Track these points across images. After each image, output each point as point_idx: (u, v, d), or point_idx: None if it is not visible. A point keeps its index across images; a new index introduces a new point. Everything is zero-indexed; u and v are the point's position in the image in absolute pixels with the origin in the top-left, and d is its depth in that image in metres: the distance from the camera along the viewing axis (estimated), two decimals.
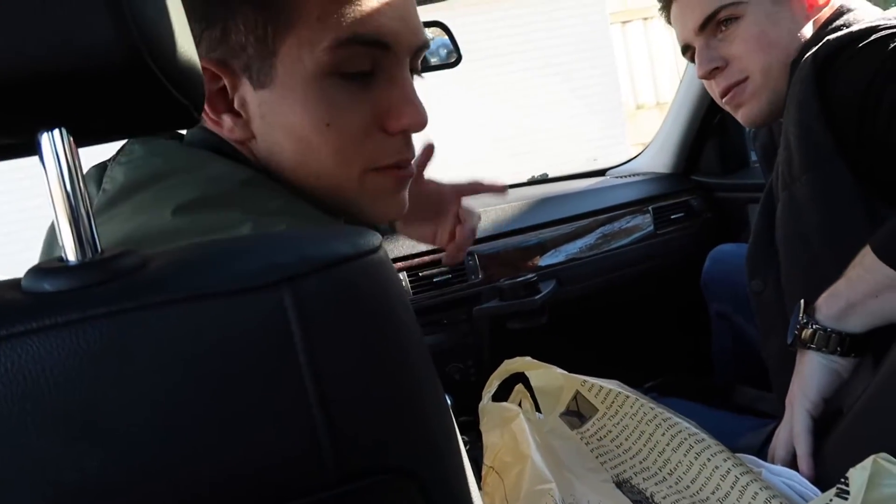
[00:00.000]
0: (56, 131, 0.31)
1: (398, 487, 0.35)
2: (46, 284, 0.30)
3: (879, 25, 0.77)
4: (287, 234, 0.36)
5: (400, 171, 0.60)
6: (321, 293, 0.32)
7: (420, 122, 0.58)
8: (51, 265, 0.31)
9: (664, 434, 0.71)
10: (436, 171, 0.92)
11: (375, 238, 0.37)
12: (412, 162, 0.61)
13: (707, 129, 1.67)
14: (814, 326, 0.72)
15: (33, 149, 0.32)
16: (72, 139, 0.32)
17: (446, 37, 1.33)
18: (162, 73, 0.30)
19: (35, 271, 0.31)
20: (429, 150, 0.89)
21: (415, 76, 0.61)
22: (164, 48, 0.31)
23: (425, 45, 0.60)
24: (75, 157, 0.32)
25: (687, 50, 1.00)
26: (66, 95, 0.30)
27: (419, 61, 0.62)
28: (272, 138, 0.56)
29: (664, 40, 8.13)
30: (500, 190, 0.94)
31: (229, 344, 0.30)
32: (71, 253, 0.32)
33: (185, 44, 0.33)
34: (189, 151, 0.56)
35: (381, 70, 0.56)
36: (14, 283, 0.32)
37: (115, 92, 0.31)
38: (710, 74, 0.95)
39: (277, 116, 0.55)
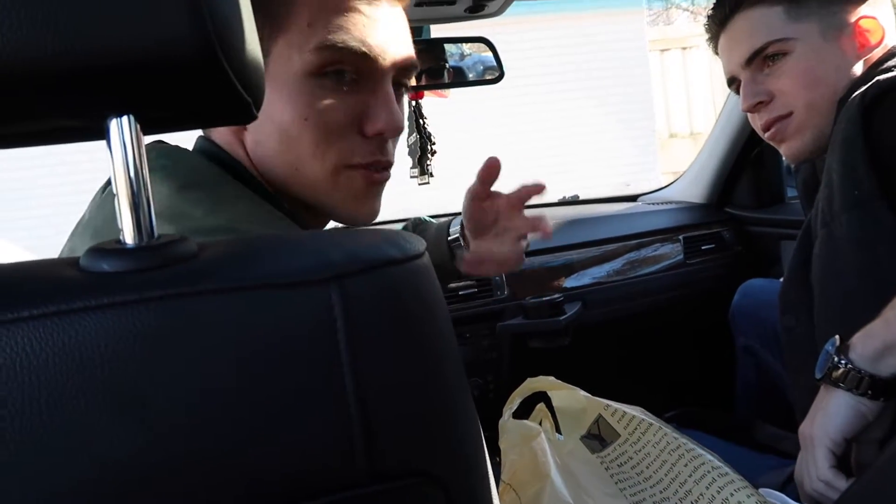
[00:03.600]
0: (125, 118, 0.32)
1: (425, 492, 0.36)
2: (105, 265, 0.31)
3: None
4: (337, 233, 0.37)
5: (372, 172, 0.65)
6: (367, 293, 0.33)
7: (393, 128, 0.63)
8: (109, 246, 0.32)
9: (686, 465, 0.70)
10: (461, 183, 0.93)
11: (421, 244, 0.37)
12: (388, 167, 0.67)
13: (744, 162, 1.66)
14: (847, 366, 0.71)
15: (100, 133, 0.33)
16: (139, 126, 0.33)
17: (486, 53, 1.34)
18: (231, 68, 0.31)
19: (94, 251, 0.32)
20: (492, 167, 0.87)
21: (403, 90, 0.69)
22: (235, 45, 0.32)
23: (413, 64, 0.66)
24: (140, 144, 0.33)
25: (733, 82, 1.00)
26: (139, 84, 0.31)
27: (410, 78, 0.69)
28: (261, 129, 0.61)
29: (701, 71, 8.10)
30: (538, 190, 0.91)
31: (277, 336, 0.31)
32: (129, 236, 0.33)
33: (253, 42, 0.34)
34: (183, 154, 0.61)
35: (364, 78, 0.62)
36: (73, 262, 0.33)
37: (185, 84, 0.32)
38: (754, 108, 0.95)
39: (266, 109, 0.61)
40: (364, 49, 0.60)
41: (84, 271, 0.32)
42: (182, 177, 0.56)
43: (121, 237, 0.33)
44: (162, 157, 0.60)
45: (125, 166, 0.33)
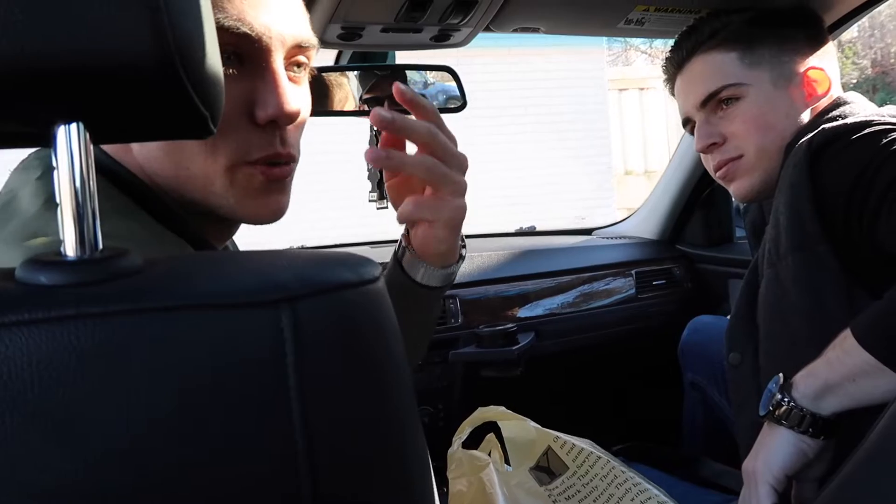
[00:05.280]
0: (74, 125, 0.31)
1: None
2: (42, 277, 0.30)
3: (873, 121, 0.80)
4: (290, 253, 0.36)
5: (271, 167, 0.59)
6: (319, 317, 0.32)
7: (286, 113, 0.57)
8: (48, 258, 0.31)
9: (633, 499, 0.70)
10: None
11: (376, 268, 0.37)
12: (291, 163, 0.61)
13: (695, 201, 1.70)
14: (790, 404, 0.73)
15: (47, 140, 0.32)
16: (88, 135, 0.32)
17: (450, 83, 1.35)
18: (190, 83, 0.31)
19: (31, 262, 0.31)
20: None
21: (303, 70, 0.62)
22: (195, 60, 0.31)
23: (307, 43, 0.61)
24: (89, 154, 0.32)
25: (687, 123, 1.03)
26: (92, 92, 0.30)
27: (308, 56, 0.62)
28: None
29: (657, 111, 8.36)
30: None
31: (222, 358, 0.30)
32: (70, 248, 0.31)
33: (213, 56, 0.34)
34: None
35: (250, 61, 0.57)
36: (7, 273, 0.31)
37: (141, 96, 0.31)
38: (707, 149, 0.98)
39: None
40: (244, 29, 0.55)
41: (19, 283, 0.30)
42: (51, 191, 0.52)
43: (62, 249, 0.32)
44: (36, 169, 0.54)
45: (70, 176, 0.31)
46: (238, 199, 0.59)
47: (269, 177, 0.59)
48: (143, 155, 0.58)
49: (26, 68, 0.28)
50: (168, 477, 0.28)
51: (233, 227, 0.65)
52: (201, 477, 0.29)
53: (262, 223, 0.62)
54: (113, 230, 0.48)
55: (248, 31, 0.55)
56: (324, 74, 0.94)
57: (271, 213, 0.61)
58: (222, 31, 0.54)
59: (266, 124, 0.58)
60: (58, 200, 0.32)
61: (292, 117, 0.58)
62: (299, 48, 0.60)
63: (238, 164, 0.58)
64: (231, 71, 0.56)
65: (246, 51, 0.57)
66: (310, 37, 0.62)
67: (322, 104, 0.94)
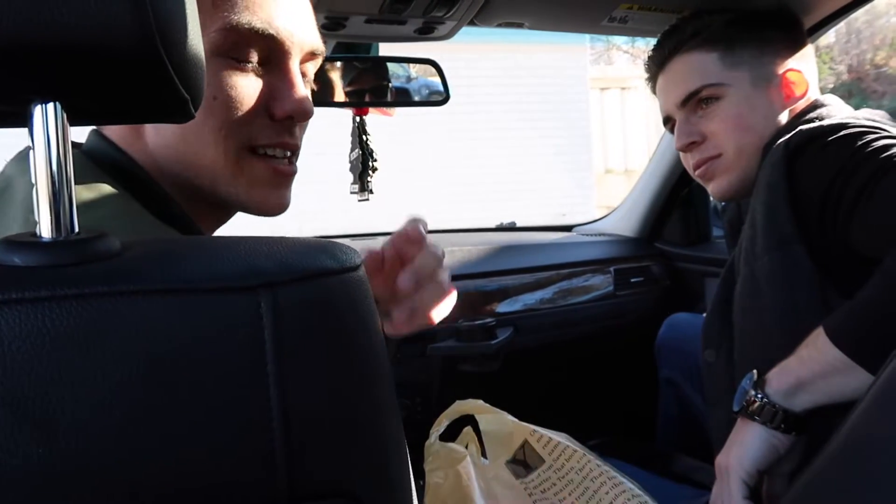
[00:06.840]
0: (51, 105, 0.31)
1: None
2: (17, 258, 0.29)
3: (849, 123, 0.81)
4: (270, 239, 0.36)
5: (276, 163, 0.63)
6: (298, 303, 0.32)
7: (303, 111, 0.62)
8: (23, 239, 0.30)
9: (608, 492, 0.71)
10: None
11: (357, 256, 0.37)
12: (293, 158, 0.66)
13: (674, 200, 1.72)
14: (763, 400, 0.74)
15: (24, 119, 0.31)
16: (65, 116, 0.31)
17: (433, 78, 1.35)
18: (171, 63, 0.30)
19: (6, 243, 0.30)
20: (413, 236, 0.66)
21: (306, 78, 0.67)
22: (176, 40, 0.30)
23: (319, 52, 0.66)
24: (66, 134, 0.31)
25: (668, 121, 1.04)
26: (70, 70, 0.29)
27: (315, 64, 0.68)
28: None
29: (638, 111, 8.42)
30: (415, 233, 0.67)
31: (199, 343, 0.29)
32: (46, 229, 0.31)
33: (195, 37, 0.33)
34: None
35: (271, 61, 0.62)
36: None
37: (121, 76, 0.30)
38: (687, 147, 0.99)
39: None
40: (271, 31, 0.59)
41: None
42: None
43: (37, 230, 0.31)
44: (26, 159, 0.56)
45: (47, 156, 0.31)
46: (243, 189, 0.62)
47: (274, 171, 0.63)
48: (156, 143, 0.60)
49: (4, 43, 0.27)
50: (142, 459, 0.28)
51: (226, 216, 0.68)
52: (176, 460, 0.29)
53: (268, 214, 0.65)
54: (94, 218, 0.49)
55: (275, 34, 0.60)
56: None
57: (275, 206, 0.65)
58: (251, 32, 0.59)
59: (280, 120, 0.62)
60: (33, 181, 0.31)
61: (307, 116, 0.63)
62: (312, 55, 0.65)
63: (244, 153, 0.61)
64: (252, 68, 0.61)
65: (268, 52, 0.61)
66: (321, 46, 0.66)
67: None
